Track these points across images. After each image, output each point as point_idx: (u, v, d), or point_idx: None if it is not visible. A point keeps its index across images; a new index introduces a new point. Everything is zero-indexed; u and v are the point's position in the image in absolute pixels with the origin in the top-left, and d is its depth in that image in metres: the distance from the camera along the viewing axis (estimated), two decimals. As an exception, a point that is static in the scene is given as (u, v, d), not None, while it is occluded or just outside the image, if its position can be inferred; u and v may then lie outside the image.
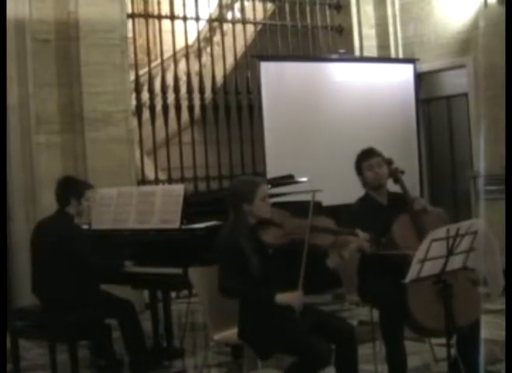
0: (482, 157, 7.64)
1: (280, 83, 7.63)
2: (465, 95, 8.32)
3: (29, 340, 5.22)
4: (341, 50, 8.88)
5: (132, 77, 7.47)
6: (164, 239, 4.92)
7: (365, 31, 8.99)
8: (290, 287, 3.63)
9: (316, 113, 7.75)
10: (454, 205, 8.57)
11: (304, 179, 5.94)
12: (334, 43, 9.03)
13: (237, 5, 9.08)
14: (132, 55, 7.59)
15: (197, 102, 8.09)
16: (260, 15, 8.83)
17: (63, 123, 6.80)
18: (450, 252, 3.55)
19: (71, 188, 4.86)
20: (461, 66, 8.27)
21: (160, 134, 7.94)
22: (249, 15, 8.68)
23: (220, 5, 8.83)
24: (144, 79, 8.39)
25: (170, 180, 7.78)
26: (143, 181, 7.68)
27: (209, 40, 9.75)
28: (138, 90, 7.62)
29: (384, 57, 8.83)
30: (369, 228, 3.89)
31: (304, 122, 7.66)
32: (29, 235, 5.06)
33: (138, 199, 5.21)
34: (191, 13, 8.17)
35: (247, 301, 3.75)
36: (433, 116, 8.94)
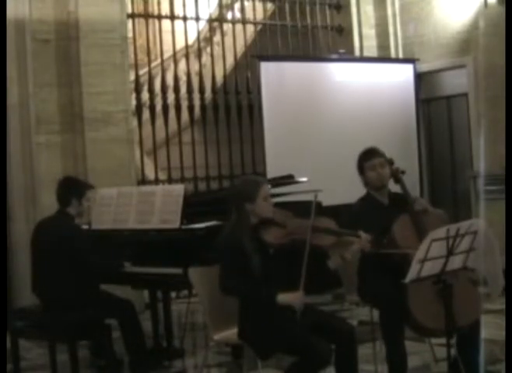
0: (482, 157, 7.64)
1: (280, 83, 7.63)
2: (465, 95, 8.32)
3: (29, 340, 5.22)
4: (341, 50, 8.88)
5: (132, 77, 7.47)
6: (164, 239, 4.92)
7: (365, 31, 8.99)
8: (291, 287, 3.63)
9: (316, 113, 7.75)
10: (454, 205, 8.57)
11: (304, 179, 5.95)
12: (334, 43, 9.04)
13: (237, 5, 9.08)
14: (132, 55, 7.59)
15: (197, 102, 8.09)
16: (260, 15, 8.83)
17: (63, 123, 6.80)
18: (450, 252, 3.55)
19: (72, 188, 4.86)
20: (461, 66, 8.27)
21: (160, 134, 7.94)
22: (249, 15, 8.68)
23: (220, 5, 8.83)
24: (144, 79, 8.39)
25: (170, 180, 7.79)
26: (143, 181, 7.68)
27: (209, 40, 9.76)
28: (138, 90, 7.62)
29: (384, 57, 8.83)
30: (369, 227, 3.89)
31: (304, 122, 7.66)
32: (29, 235, 5.07)
33: (138, 199, 5.21)
34: (191, 13, 8.17)
35: (247, 300, 3.75)
36: (433, 116, 8.94)
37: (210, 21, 9.48)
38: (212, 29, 9.97)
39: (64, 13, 6.77)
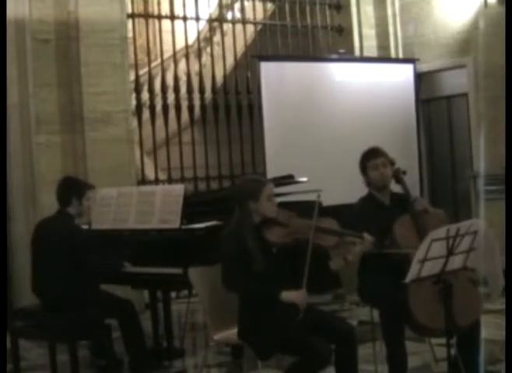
0: (482, 157, 7.64)
1: (280, 83, 7.63)
2: (465, 95, 8.32)
3: (29, 340, 5.22)
4: (341, 50, 8.88)
5: (132, 77, 7.47)
6: (164, 239, 4.92)
7: (365, 31, 8.99)
8: (292, 287, 3.64)
9: (316, 113, 7.75)
10: (454, 205, 8.57)
11: (304, 179, 5.95)
12: (334, 43, 9.04)
13: (237, 5, 9.08)
14: (132, 55, 7.59)
15: (197, 102, 8.10)
16: (260, 15, 8.83)
17: (63, 123, 6.80)
18: (450, 252, 3.55)
19: (73, 188, 4.86)
20: (461, 66, 8.27)
21: (160, 134, 7.94)
22: (249, 15, 8.68)
23: (220, 5, 8.83)
24: (144, 79, 8.39)
25: (170, 180, 7.79)
26: (143, 181, 7.68)
27: (209, 40, 9.76)
28: (138, 90, 7.62)
29: (383, 57, 8.83)
30: (371, 227, 3.89)
31: (304, 122, 7.66)
32: (29, 236, 5.06)
33: (138, 199, 5.21)
34: (191, 13, 8.17)
35: (247, 300, 3.75)
36: (433, 116, 8.94)
37: (210, 21, 9.49)
38: (212, 29, 9.97)
39: (64, 13, 6.77)
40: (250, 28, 8.69)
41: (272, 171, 6.95)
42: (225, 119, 8.25)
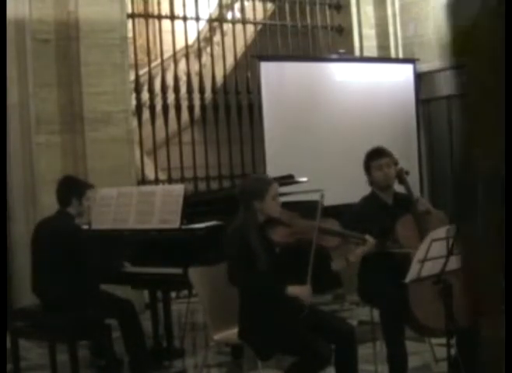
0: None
1: (280, 83, 7.63)
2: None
3: (29, 340, 5.22)
4: (341, 50, 8.88)
5: (132, 77, 7.47)
6: (164, 239, 4.92)
7: (365, 31, 8.99)
8: (295, 285, 3.65)
9: (316, 113, 7.75)
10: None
11: (304, 179, 5.95)
12: (334, 43, 9.04)
13: (237, 5, 9.08)
14: (132, 55, 7.59)
15: (197, 102, 8.09)
16: (260, 15, 8.83)
17: (63, 123, 6.80)
18: (450, 252, 3.55)
19: (73, 188, 4.86)
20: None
21: (160, 134, 7.94)
22: (249, 15, 8.68)
23: (220, 5, 8.83)
24: (144, 79, 8.39)
25: (170, 180, 7.79)
26: (143, 181, 7.68)
27: (209, 40, 9.75)
28: (138, 90, 7.62)
29: (383, 57, 8.83)
30: (373, 226, 3.89)
31: (304, 122, 7.66)
32: (29, 236, 5.07)
33: (138, 199, 5.21)
34: (191, 13, 8.17)
35: (247, 300, 3.75)
36: (433, 116, 8.94)
37: (210, 21, 9.49)
38: (212, 29, 9.97)
39: (64, 13, 6.77)
40: (250, 28, 8.69)
41: (272, 171, 6.94)
42: (225, 119, 8.25)
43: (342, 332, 3.74)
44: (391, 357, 4.06)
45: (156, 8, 8.21)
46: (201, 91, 8.08)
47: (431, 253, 3.50)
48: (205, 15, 8.70)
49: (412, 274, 3.53)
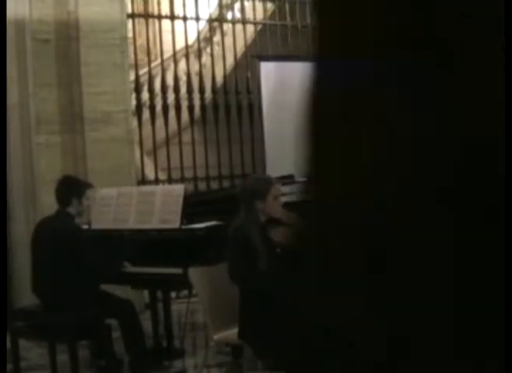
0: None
1: (280, 83, 7.63)
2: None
3: (29, 340, 5.22)
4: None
5: (132, 77, 7.48)
6: (164, 239, 4.92)
7: (365, 31, 8.98)
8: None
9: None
10: None
11: (304, 179, 5.94)
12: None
13: (237, 5, 9.08)
14: (132, 55, 7.59)
15: (197, 102, 8.09)
16: (260, 15, 8.83)
17: (63, 123, 6.80)
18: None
19: (73, 187, 4.86)
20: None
21: (160, 134, 7.94)
22: (249, 15, 8.68)
23: (220, 5, 8.83)
24: (144, 79, 8.39)
25: (170, 180, 7.78)
26: (143, 181, 7.68)
27: (209, 40, 9.75)
28: (138, 90, 7.62)
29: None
30: None
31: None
32: (29, 236, 5.07)
33: (138, 199, 5.21)
34: (191, 13, 8.17)
35: (247, 300, 3.75)
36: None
37: (210, 21, 9.49)
38: (212, 29, 9.97)
39: (64, 13, 6.77)
40: (250, 28, 8.69)
41: (272, 171, 6.95)
42: (225, 119, 8.25)
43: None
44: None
45: (156, 8, 8.21)
46: (201, 91, 8.08)
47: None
48: (205, 15, 8.70)
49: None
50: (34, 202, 6.58)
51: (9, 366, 4.70)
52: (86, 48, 6.76)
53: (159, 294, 5.26)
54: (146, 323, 5.20)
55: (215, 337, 4.01)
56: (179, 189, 5.09)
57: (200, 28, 8.82)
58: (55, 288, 4.61)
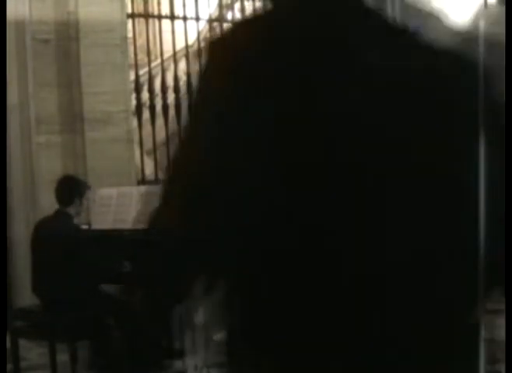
0: (482, 157, 7.63)
1: (280, 83, 7.62)
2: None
3: (29, 340, 5.22)
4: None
5: (132, 77, 7.47)
6: (164, 239, 4.91)
7: (365, 31, 8.99)
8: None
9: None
10: None
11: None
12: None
13: (237, 5, 9.08)
14: (132, 55, 7.59)
15: (197, 102, 8.08)
16: (260, 15, 8.82)
17: (63, 123, 6.80)
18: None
19: (75, 187, 4.87)
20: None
21: (160, 134, 7.93)
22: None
23: (220, 5, 8.83)
24: (144, 79, 8.38)
25: (170, 180, 7.77)
26: (143, 181, 7.67)
27: (209, 40, 9.76)
28: (138, 90, 7.62)
29: (383, 57, 8.83)
30: None
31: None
32: (29, 235, 5.07)
33: (138, 199, 5.21)
34: (191, 13, 8.17)
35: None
36: (433, 116, 8.94)
37: (210, 21, 9.48)
38: (212, 29, 9.97)
39: (64, 13, 6.77)
40: (250, 28, 8.68)
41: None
42: (225, 119, 8.23)
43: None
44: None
45: (156, 8, 8.22)
46: (201, 91, 8.07)
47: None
48: (205, 15, 8.70)
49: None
50: (34, 202, 6.58)
51: (9, 366, 4.70)
52: (86, 48, 6.76)
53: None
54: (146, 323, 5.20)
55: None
56: (179, 189, 5.09)
57: (200, 28, 8.82)
58: (55, 288, 4.62)
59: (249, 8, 8.72)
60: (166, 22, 8.13)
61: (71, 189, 4.85)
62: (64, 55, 6.79)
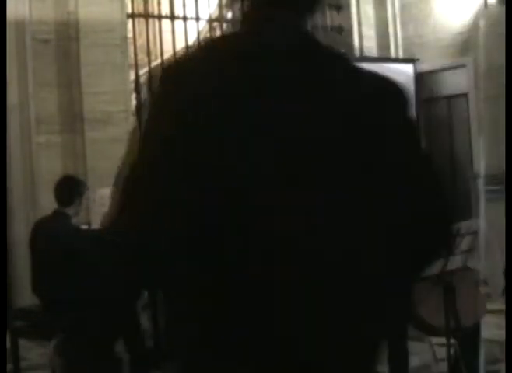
0: (482, 157, 7.63)
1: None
2: (465, 95, 8.32)
3: (29, 340, 5.22)
4: (342, 50, 8.87)
5: (132, 77, 7.47)
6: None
7: (365, 31, 8.99)
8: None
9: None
10: (453, 205, 8.55)
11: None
12: (335, 43, 9.02)
13: (237, 5, 9.07)
14: (132, 55, 7.59)
15: (197, 102, 8.09)
16: (260, 15, 8.82)
17: (63, 123, 6.80)
18: (450, 252, 3.55)
19: (76, 187, 4.87)
20: (461, 66, 8.27)
21: (160, 134, 7.93)
22: (249, 15, 8.67)
23: (220, 5, 8.82)
24: (144, 79, 8.38)
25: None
26: (143, 181, 7.67)
27: (209, 40, 9.75)
28: (138, 90, 7.61)
29: (383, 57, 8.83)
30: None
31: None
32: (29, 235, 5.06)
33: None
34: (191, 13, 8.16)
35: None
36: (433, 116, 8.94)
37: (210, 21, 9.48)
38: (212, 29, 9.96)
39: (64, 13, 6.77)
40: (250, 28, 8.68)
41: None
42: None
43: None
44: (393, 356, 4.06)
45: (156, 8, 8.21)
46: (201, 91, 8.08)
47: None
48: (205, 15, 8.69)
49: (411, 274, 3.52)
50: (34, 202, 6.58)
51: (9, 366, 4.70)
52: (86, 48, 6.76)
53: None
54: (146, 323, 5.21)
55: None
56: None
57: (200, 28, 8.81)
58: (55, 288, 4.61)
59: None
60: (166, 22, 8.12)
61: (71, 189, 4.85)
62: (64, 55, 6.79)
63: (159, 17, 8.10)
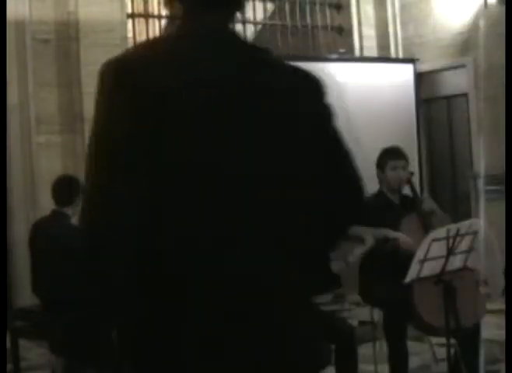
0: (482, 157, 7.64)
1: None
2: (465, 95, 8.32)
3: (29, 340, 5.22)
4: (341, 50, 8.87)
5: (132, 77, 7.47)
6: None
7: (365, 31, 8.99)
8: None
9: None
10: (454, 205, 8.57)
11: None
12: (334, 43, 9.03)
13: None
14: (132, 55, 7.59)
15: (197, 102, 8.09)
16: (260, 15, 8.82)
17: (63, 123, 6.80)
18: (450, 252, 3.55)
19: (75, 187, 4.86)
20: (461, 66, 8.27)
21: (160, 134, 7.93)
22: (249, 15, 8.68)
23: (220, 5, 8.82)
24: (144, 79, 8.38)
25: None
26: (143, 181, 7.67)
27: (209, 40, 9.75)
28: (138, 90, 7.62)
29: (383, 57, 8.83)
30: (378, 224, 3.89)
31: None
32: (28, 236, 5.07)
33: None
34: (191, 13, 8.16)
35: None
36: (433, 116, 8.94)
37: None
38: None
39: (64, 13, 6.77)
40: (250, 28, 8.69)
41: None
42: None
43: (342, 333, 3.74)
44: (392, 356, 4.06)
45: (156, 8, 8.21)
46: (201, 91, 8.08)
47: (431, 253, 3.50)
48: (205, 15, 8.69)
49: (411, 274, 3.53)
50: (34, 202, 6.58)
51: (9, 366, 4.70)
52: (86, 48, 6.76)
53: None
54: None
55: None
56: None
57: (200, 28, 8.81)
58: (55, 288, 4.61)
59: (249, 8, 8.72)
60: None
61: (71, 188, 4.84)
62: (64, 55, 6.80)
63: (159, 17, 8.10)
